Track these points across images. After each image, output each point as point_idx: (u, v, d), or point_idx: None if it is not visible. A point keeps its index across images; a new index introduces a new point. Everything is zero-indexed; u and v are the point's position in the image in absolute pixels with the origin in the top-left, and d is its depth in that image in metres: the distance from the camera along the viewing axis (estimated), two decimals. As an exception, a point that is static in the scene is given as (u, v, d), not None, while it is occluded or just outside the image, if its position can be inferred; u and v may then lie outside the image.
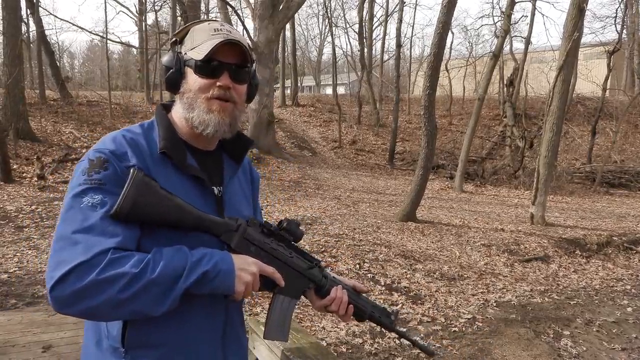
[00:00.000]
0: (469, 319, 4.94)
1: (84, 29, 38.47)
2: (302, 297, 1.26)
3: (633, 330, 5.07)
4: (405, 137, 19.73)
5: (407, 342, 1.44)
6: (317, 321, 4.42)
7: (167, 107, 1.22)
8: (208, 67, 1.13)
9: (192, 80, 1.14)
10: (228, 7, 12.71)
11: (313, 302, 1.27)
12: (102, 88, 23.05)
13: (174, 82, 1.16)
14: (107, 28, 17.68)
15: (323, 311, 1.27)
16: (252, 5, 12.81)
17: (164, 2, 21.24)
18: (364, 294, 1.31)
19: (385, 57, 26.51)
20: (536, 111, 20.46)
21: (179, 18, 11.82)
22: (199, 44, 1.14)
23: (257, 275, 1.07)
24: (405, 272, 6.02)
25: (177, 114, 1.18)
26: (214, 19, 1.22)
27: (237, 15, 11.60)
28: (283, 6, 12.63)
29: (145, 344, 1.05)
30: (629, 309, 5.65)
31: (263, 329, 1.21)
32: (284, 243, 1.18)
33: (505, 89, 20.32)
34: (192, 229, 1.06)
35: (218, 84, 1.13)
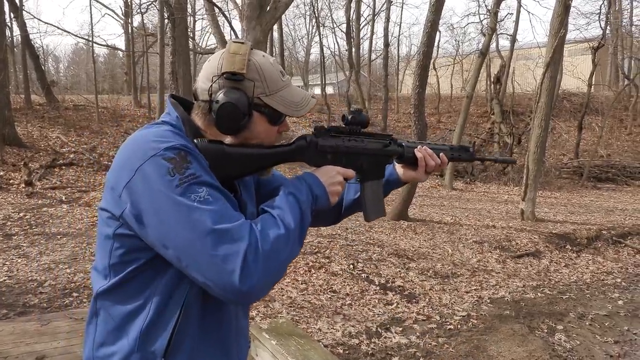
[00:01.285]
0: (463, 316, 4.95)
1: (69, 32, 38.13)
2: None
3: (625, 323, 5.12)
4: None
5: (490, 162, 1.67)
6: (312, 323, 4.41)
7: (183, 105, 1.17)
8: (282, 117, 1.16)
9: (264, 128, 1.14)
10: (215, 8, 12.64)
11: (405, 176, 1.41)
12: (88, 92, 22.81)
13: (242, 127, 1.11)
14: (92, 31, 17.44)
15: (415, 178, 1.40)
16: (240, 6, 12.75)
17: (150, 4, 21.09)
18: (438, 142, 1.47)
19: (373, 56, 26.56)
20: (523, 108, 20.62)
21: (166, 20, 11.74)
22: (277, 89, 1.14)
23: (343, 182, 1.19)
24: (399, 271, 6.03)
25: (203, 125, 1.14)
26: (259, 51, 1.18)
27: (225, 16, 11.53)
28: (270, 7, 12.57)
29: (180, 350, 1.06)
30: (620, 302, 5.71)
31: (363, 214, 1.34)
32: (354, 135, 1.27)
33: (492, 86, 20.48)
34: (270, 167, 1.18)
35: (281, 130, 1.19)
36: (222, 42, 9.08)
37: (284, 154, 1.18)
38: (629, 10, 24.16)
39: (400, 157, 1.37)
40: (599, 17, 16.18)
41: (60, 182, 9.69)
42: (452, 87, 24.01)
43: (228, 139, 1.13)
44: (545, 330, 4.77)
